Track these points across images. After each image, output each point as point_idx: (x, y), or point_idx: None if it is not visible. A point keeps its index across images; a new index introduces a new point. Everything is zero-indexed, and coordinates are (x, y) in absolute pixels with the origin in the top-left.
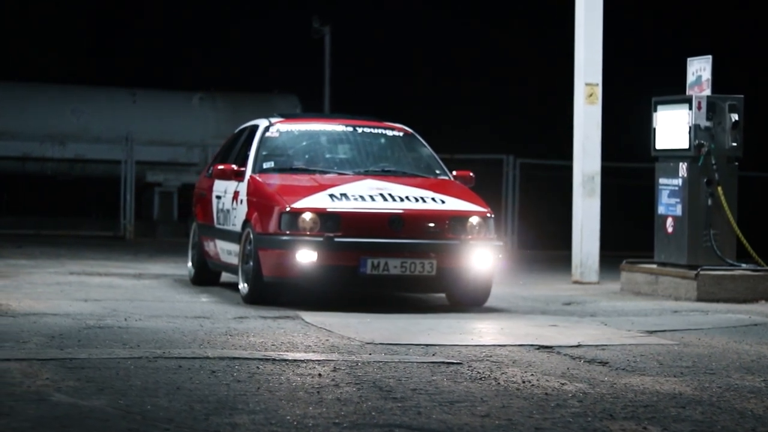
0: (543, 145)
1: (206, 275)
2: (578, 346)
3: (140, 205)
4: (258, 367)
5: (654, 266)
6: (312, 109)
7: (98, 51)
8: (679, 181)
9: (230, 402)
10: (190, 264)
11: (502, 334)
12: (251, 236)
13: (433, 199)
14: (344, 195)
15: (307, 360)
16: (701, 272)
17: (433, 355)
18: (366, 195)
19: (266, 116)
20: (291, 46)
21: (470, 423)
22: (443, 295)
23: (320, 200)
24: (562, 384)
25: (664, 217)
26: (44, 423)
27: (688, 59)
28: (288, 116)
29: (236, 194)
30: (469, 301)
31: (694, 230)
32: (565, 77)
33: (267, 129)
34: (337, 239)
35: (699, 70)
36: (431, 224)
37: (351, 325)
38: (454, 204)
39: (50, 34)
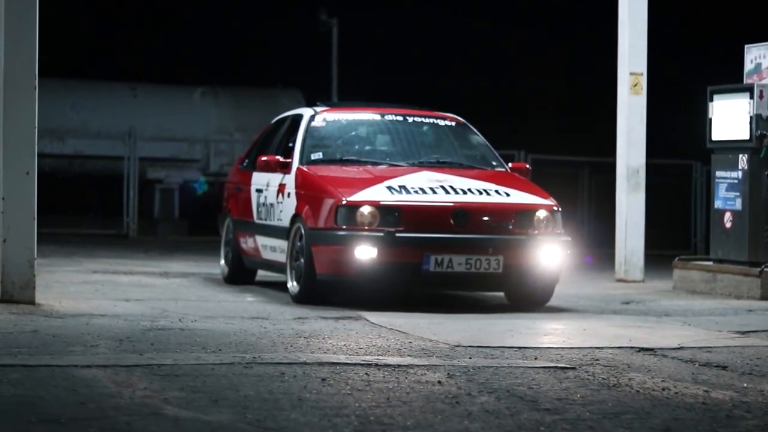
0: (551, 142)
1: (241, 274)
2: (680, 348)
3: (141, 203)
4: (367, 374)
5: (710, 263)
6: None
7: (98, 47)
8: (739, 174)
9: (370, 415)
10: (222, 262)
11: (589, 335)
12: (302, 231)
13: (497, 191)
14: (403, 187)
15: (411, 365)
16: (766, 269)
17: (535, 359)
18: (426, 187)
19: (310, 105)
20: (295, 40)
21: None
22: (495, 293)
23: (378, 193)
24: (706, 391)
25: (722, 212)
26: None
27: (746, 46)
28: (333, 105)
29: (282, 187)
30: (533, 300)
31: (755, 225)
32: (566, 75)
33: (312, 118)
34: (398, 234)
35: (758, 57)
36: (497, 218)
37: (422, 326)
38: (519, 197)
39: (48, 32)
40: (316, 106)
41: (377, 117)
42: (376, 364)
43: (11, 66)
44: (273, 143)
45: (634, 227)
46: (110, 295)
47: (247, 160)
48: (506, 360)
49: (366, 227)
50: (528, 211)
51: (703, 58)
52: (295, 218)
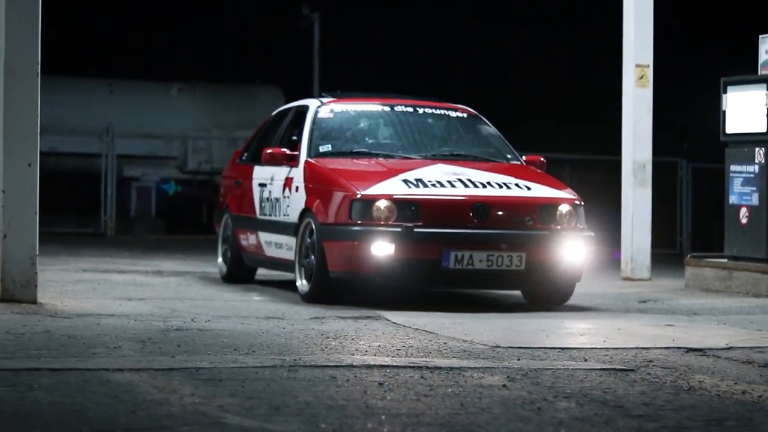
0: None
1: (241, 272)
2: (730, 348)
3: (117, 201)
4: (422, 377)
5: (725, 260)
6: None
7: (73, 43)
8: (755, 168)
9: (455, 424)
10: (220, 260)
11: (627, 335)
12: (313, 227)
13: (517, 185)
14: (420, 181)
15: (463, 368)
16: None
17: (585, 360)
18: (444, 181)
19: (316, 96)
20: (275, 36)
21: None
22: (508, 291)
23: (394, 186)
24: None
25: (737, 207)
26: None
27: (761, 36)
28: (339, 96)
29: (288, 181)
30: (552, 298)
31: None
32: (554, 76)
33: (319, 109)
34: (416, 230)
35: None
36: (519, 213)
37: (447, 325)
38: (540, 191)
39: None
40: (322, 97)
41: (386, 108)
42: (426, 367)
43: (12, 51)
44: (275, 136)
45: (640, 224)
46: (110, 294)
47: (246, 154)
48: (557, 362)
49: (382, 222)
50: (550, 205)
51: (687, 55)
52: (304, 213)
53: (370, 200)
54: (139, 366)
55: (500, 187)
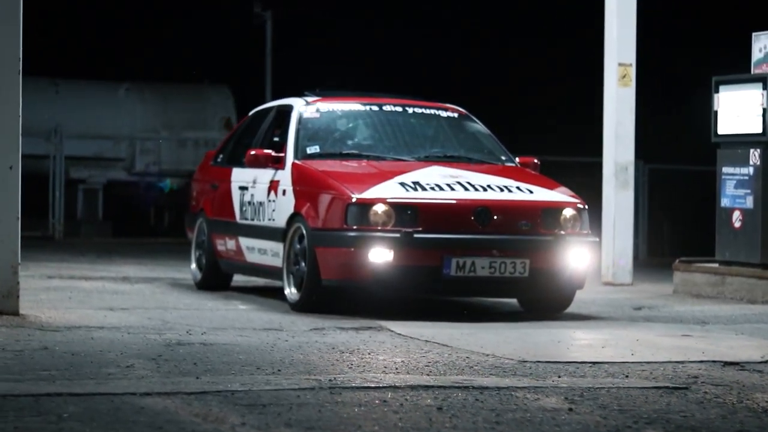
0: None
1: (216, 279)
2: (766, 362)
3: (64, 203)
4: (477, 400)
5: (716, 265)
6: (251, 102)
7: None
8: (750, 170)
9: None
10: (194, 266)
11: (651, 347)
12: (304, 232)
13: (518, 188)
14: (417, 184)
15: (511, 387)
16: None
17: (627, 377)
18: (442, 184)
19: (300, 95)
20: (226, 35)
21: None
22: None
23: (391, 189)
24: None
25: (730, 211)
26: None
27: (754, 34)
28: (325, 94)
29: (274, 184)
30: (552, 306)
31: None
32: (534, 76)
33: (305, 109)
34: (416, 235)
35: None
36: (522, 217)
37: (457, 337)
38: (543, 194)
39: None
40: (305, 96)
41: (374, 108)
42: (473, 387)
43: None
44: (254, 138)
45: (623, 228)
46: (89, 304)
47: (221, 156)
48: (598, 378)
49: (380, 227)
50: (554, 209)
51: (653, 55)
52: (293, 218)
53: (367, 204)
54: (166, 389)
55: (501, 190)
